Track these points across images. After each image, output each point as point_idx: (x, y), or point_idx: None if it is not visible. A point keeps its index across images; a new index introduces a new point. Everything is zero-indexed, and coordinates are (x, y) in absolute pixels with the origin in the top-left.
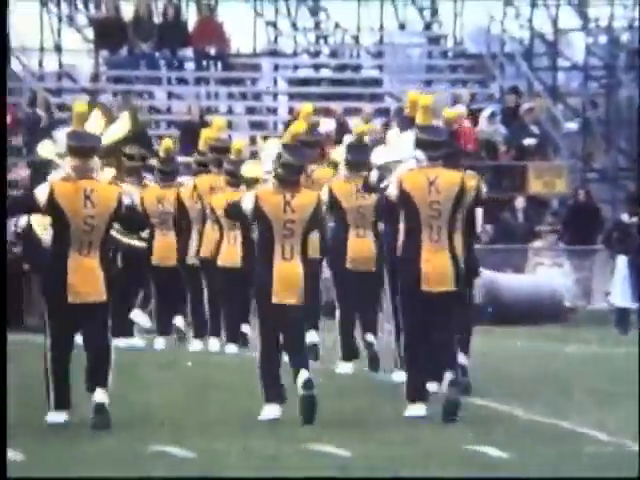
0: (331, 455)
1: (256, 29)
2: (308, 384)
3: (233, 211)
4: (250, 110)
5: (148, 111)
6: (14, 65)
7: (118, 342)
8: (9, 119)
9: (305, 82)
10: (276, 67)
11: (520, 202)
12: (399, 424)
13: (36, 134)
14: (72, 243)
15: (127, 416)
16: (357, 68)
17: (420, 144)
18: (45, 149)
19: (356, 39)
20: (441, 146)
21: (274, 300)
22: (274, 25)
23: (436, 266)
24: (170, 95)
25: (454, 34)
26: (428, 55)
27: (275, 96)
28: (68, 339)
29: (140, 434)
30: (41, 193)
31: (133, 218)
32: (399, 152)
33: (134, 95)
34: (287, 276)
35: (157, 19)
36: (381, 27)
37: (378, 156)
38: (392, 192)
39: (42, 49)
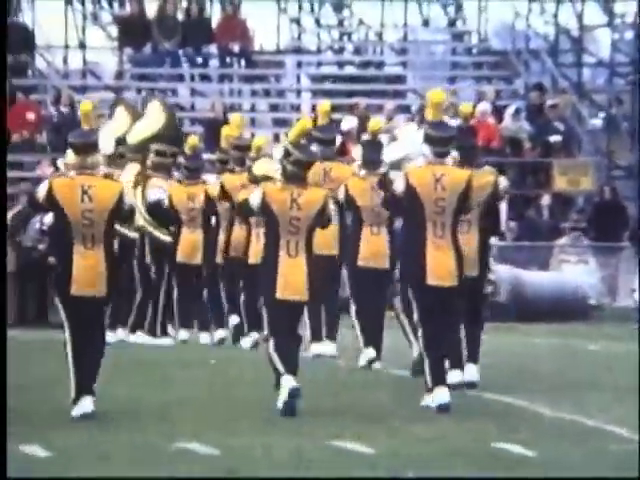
0: (355, 452)
1: (280, 26)
2: (294, 392)
3: (244, 208)
4: (273, 107)
5: None
6: (39, 63)
7: (145, 340)
8: (34, 116)
9: (328, 79)
10: (299, 64)
11: (545, 199)
12: (423, 420)
13: (60, 132)
14: (75, 237)
15: (151, 413)
16: (380, 65)
17: (428, 140)
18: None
19: (380, 36)
20: (449, 142)
21: (278, 296)
22: (298, 22)
23: (439, 262)
24: (194, 92)
25: (478, 30)
26: (452, 52)
27: (298, 93)
28: (84, 330)
29: (163, 431)
30: (41, 189)
31: (161, 213)
32: (409, 148)
33: (158, 93)
34: (291, 273)
35: (181, 16)
36: (405, 24)
37: (389, 153)
38: (399, 187)
39: (67, 47)
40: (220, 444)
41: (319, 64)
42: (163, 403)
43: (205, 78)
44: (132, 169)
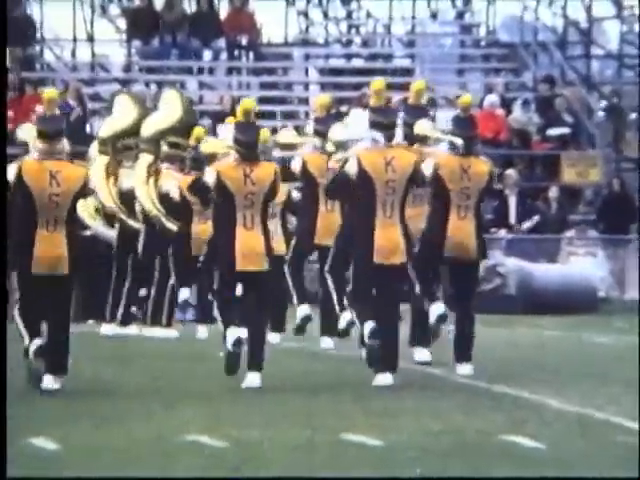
0: (364, 445)
1: (288, 19)
2: (236, 343)
3: (196, 186)
4: (281, 100)
5: None
6: (47, 56)
7: (154, 332)
8: (42, 109)
9: (337, 72)
10: (307, 57)
11: (553, 191)
12: (432, 414)
13: (69, 124)
14: (39, 219)
15: (160, 406)
16: (389, 57)
17: (375, 125)
18: (24, 132)
19: (388, 28)
20: (393, 126)
21: (238, 267)
22: (306, 15)
23: (388, 240)
24: (202, 85)
25: (487, 23)
26: (460, 44)
27: (306, 86)
28: (36, 306)
29: (173, 424)
30: (10, 171)
31: (171, 204)
32: (356, 131)
33: (166, 85)
34: (249, 244)
35: (189, 9)
36: (413, 16)
37: (336, 133)
38: (351, 170)
39: (75, 39)
40: (229, 437)
41: (327, 57)
42: (173, 396)
43: (213, 71)
44: (145, 160)
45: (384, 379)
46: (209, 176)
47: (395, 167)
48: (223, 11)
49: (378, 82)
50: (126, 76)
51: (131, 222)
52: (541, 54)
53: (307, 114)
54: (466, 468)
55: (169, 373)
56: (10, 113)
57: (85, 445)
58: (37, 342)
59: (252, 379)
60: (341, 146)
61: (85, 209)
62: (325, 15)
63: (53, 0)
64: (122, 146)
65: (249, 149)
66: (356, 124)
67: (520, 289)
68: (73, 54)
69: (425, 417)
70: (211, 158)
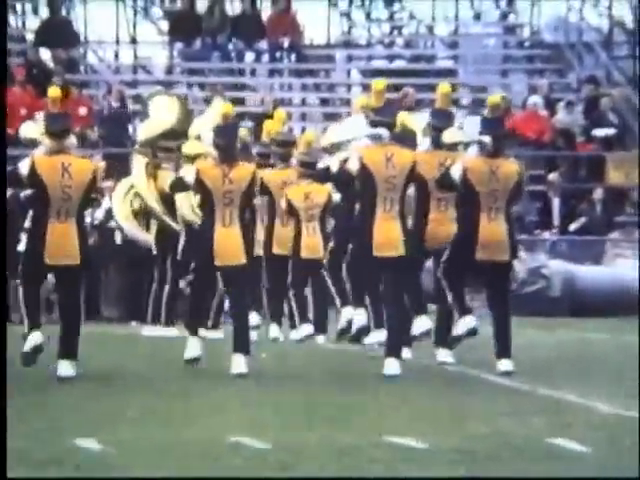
0: (409, 448)
1: (330, 20)
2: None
3: (178, 185)
4: (323, 101)
5: None
6: (90, 58)
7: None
8: (85, 111)
9: (379, 73)
10: (350, 58)
11: (598, 193)
12: (478, 416)
13: (112, 126)
14: (51, 210)
15: (205, 407)
16: (431, 59)
17: (377, 124)
18: (29, 130)
19: (430, 29)
20: (393, 125)
21: (216, 263)
22: (348, 16)
23: (387, 233)
24: (243, 87)
25: (531, 23)
26: (504, 45)
27: (349, 87)
28: (37, 289)
29: (217, 425)
30: (24, 166)
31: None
32: (351, 132)
33: (209, 87)
34: (227, 240)
35: (231, 11)
36: (456, 17)
37: (332, 135)
38: (353, 166)
39: (118, 42)
40: (273, 438)
41: (369, 58)
42: (216, 398)
43: (255, 72)
44: (141, 162)
45: (390, 365)
46: (189, 174)
47: (395, 164)
48: (265, 13)
49: (379, 83)
50: (168, 78)
51: (172, 223)
52: (586, 55)
53: (349, 116)
54: (511, 471)
55: (213, 374)
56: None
57: (130, 446)
58: (35, 339)
59: (238, 362)
60: (337, 147)
61: (121, 211)
62: (368, 16)
63: (96, 2)
64: (162, 147)
65: (227, 151)
66: (351, 125)
67: (564, 291)
68: (116, 56)
69: (470, 420)
70: (197, 158)
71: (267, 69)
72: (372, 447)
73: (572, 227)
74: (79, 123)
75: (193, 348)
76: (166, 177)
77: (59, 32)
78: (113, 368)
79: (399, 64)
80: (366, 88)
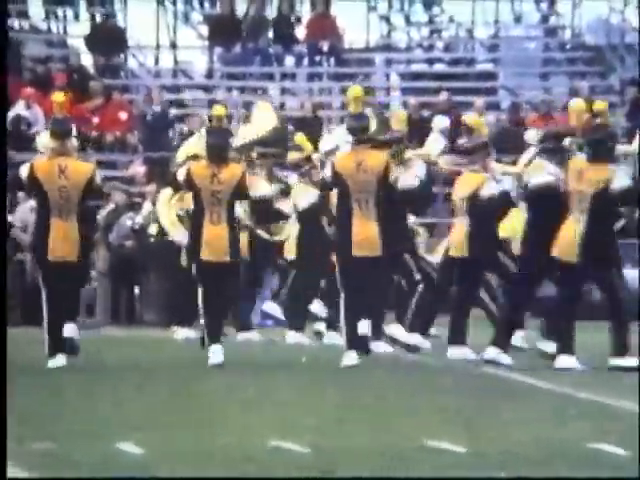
0: (448, 452)
1: (369, 23)
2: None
3: (173, 183)
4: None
5: None
6: (131, 62)
7: (238, 336)
8: (126, 116)
9: (418, 76)
10: (389, 62)
11: None
12: (517, 421)
13: (153, 131)
14: (52, 210)
15: (244, 411)
16: (471, 62)
17: (349, 130)
18: (43, 139)
19: (470, 32)
20: (365, 130)
21: (203, 257)
22: (387, 19)
23: (364, 235)
24: (283, 91)
25: (572, 25)
26: (545, 48)
27: (388, 91)
28: (59, 292)
29: (256, 429)
30: (23, 170)
31: (266, 210)
32: (339, 140)
33: (249, 91)
34: (214, 238)
35: (271, 15)
36: (496, 20)
37: (324, 145)
38: (327, 173)
39: (158, 46)
40: (312, 443)
41: (409, 62)
42: (256, 401)
43: (295, 77)
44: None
45: (350, 359)
46: (180, 173)
47: (366, 168)
48: (305, 16)
49: (355, 89)
50: (208, 82)
51: (260, 232)
52: (628, 57)
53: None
54: (553, 476)
55: (250, 378)
56: (96, 119)
57: (169, 449)
58: (60, 361)
59: (214, 351)
60: (331, 154)
61: (167, 216)
62: (407, 20)
63: (137, 8)
64: (258, 154)
65: (217, 152)
66: (338, 134)
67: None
68: (156, 61)
69: (510, 424)
70: (195, 159)
71: (306, 73)
72: (411, 452)
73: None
74: (119, 127)
75: (217, 354)
76: (259, 184)
77: (108, 37)
78: (151, 370)
79: (439, 67)
80: (406, 92)
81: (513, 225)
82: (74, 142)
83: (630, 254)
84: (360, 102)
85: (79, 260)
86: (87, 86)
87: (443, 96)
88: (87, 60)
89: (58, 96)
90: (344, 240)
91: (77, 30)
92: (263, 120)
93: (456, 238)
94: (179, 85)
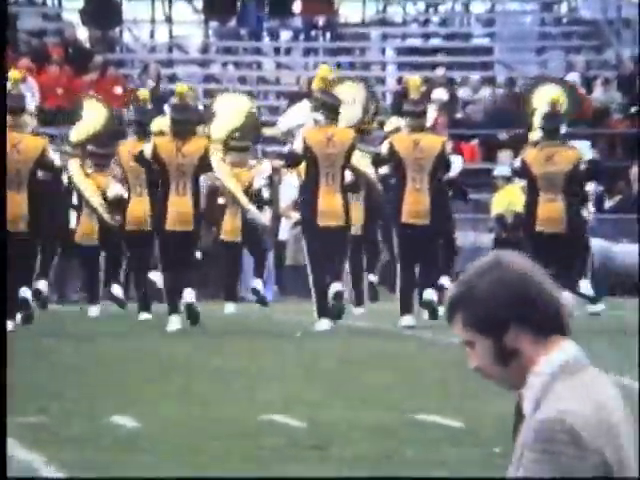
0: (441, 426)
1: None
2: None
3: (139, 157)
4: (358, 80)
5: (256, 82)
6: (126, 37)
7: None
8: (121, 91)
9: (414, 51)
10: (385, 37)
11: (635, 171)
12: (511, 396)
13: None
14: (8, 183)
15: (240, 385)
16: (467, 37)
17: (320, 106)
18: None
19: (466, 7)
20: (336, 108)
21: (167, 227)
22: None
23: (330, 205)
24: (279, 66)
25: (568, 0)
26: (541, 22)
27: (384, 66)
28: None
29: (252, 403)
30: None
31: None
32: (296, 119)
33: (243, 66)
34: (179, 208)
35: None
36: None
37: (281, 124)
38: (298, 146)
39: (153, 21)
40: (306, 417)
41: (404, 36)
42: (252, 375)
43: (290, 51)
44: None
45: (322, 324)
46: (147, 148)
47: (335, 142)
48: None
49: (325, 69)
50: (203, 57)
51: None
52: (625, 31)
53: (384, 94)
54: None
55: (246, 351)
56: (92, 93)
57: (164, 423)
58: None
59: (173, 321)
60: (289, 134)
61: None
62: None
63: None
64: (232, 147)
65: (181, 127)
66: (295, 113)
67: (601, 269)
68: (152, 35)
69: (505, 400)
70: (159, 134)
71: (302, 48)
72: (402, 425)
73: (608, 205)
74: (114, 102)
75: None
76: (240, 175)
77: (104, 12)
78: (149, 348)
79: (434, 42)
80: (401, 66)
81: (509, 200)
82: (27, 118)
83: (628, 228)
84: (328, 81)
85: (29, 230)
86: (83, 60)
87: (440, 71)
88: (82, 34)
89: (15, 74)
90: (311, 211)
91: (72, 3)
92: (232, 112)
93: None
94: (174, 60)
